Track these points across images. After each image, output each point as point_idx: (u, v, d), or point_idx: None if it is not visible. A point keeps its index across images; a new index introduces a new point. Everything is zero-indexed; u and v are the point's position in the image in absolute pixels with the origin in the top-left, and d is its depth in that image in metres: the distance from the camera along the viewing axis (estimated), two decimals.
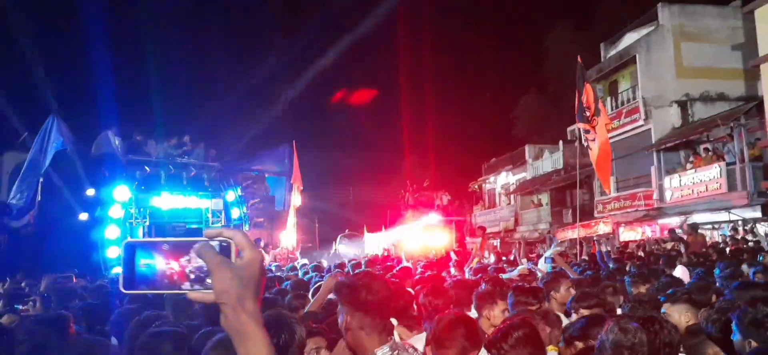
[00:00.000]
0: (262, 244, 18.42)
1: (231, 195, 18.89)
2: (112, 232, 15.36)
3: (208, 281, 1.01)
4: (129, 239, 1.10)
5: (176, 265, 1.02)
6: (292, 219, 18.93)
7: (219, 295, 0.99)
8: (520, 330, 2.80)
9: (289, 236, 19.03)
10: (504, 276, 6.99)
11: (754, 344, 2.96)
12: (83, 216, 15.36)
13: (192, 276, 1.02)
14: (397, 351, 2.22)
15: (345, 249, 28.53)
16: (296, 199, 17.38)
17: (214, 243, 1.03)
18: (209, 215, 19.16)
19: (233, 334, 1.01)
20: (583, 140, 21.46)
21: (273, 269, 11.68)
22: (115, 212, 15.46)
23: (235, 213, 18.95)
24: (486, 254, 23.94)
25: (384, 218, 33.14)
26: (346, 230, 30.67)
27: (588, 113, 11.16)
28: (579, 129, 11.79)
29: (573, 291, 4.57)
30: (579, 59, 11.34)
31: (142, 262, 1.03)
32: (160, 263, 1.03)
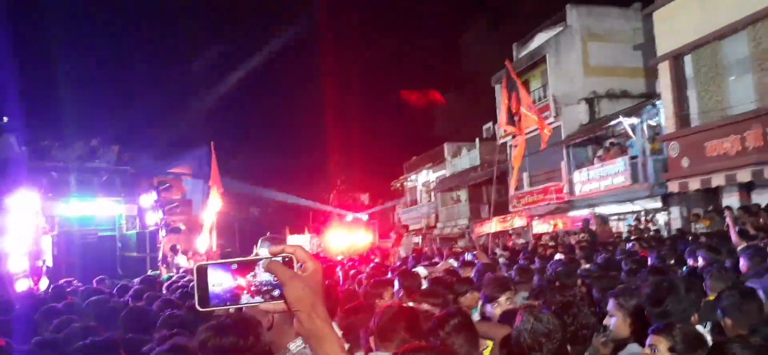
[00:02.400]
0: (179, 249, 17.82)
1: (146, 200, 18.10)
2: (15, 244, 14.31)
3: (276, 292, 1.12)
4: (199, 262, 1.17)
5: (244, 281, 1.13)
6: (209, 222, 18.42)
7: (294, 303, 1.10)
8: (455, 318, 2.94)
9: (206, 241, 18.52)
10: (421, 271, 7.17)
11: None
12: None
13: (260, 290, 1.13)
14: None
15: (266, 252, 28.01)
16: (215, 202, 16.90)
17: (278, 259, 1.13)
18: (123, 221, 18.31)
19: (309, 337, 1.12)
20: (498, 138, 22.25)
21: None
22: (18, 222, 14.42)
23: (151, 218, 18.18)
24: (400, 252, 24.38)
25: (307, 219, 32.90)
26: (268, 233, 30.17)
27: (527, 114, 11.52)
28: (494, 127, 12.19)
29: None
30: (507, 63, 11.72)
31: (213, 282, 1.12)
32: (230, 281, 1.12)
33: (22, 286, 13.58)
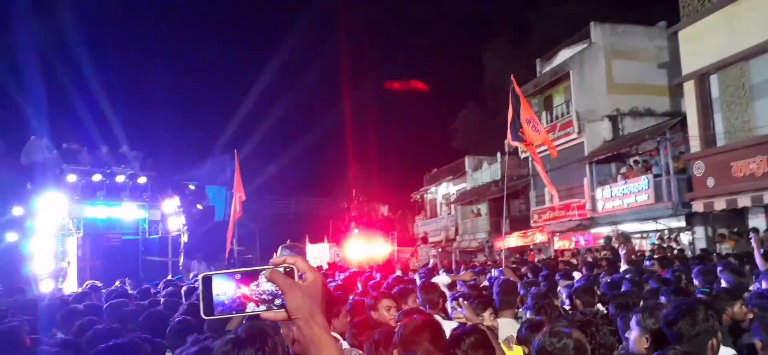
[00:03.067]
0: (201, 257, 18.04)
1: (169, 205, 18.41)
2: (41, 245, 14.65)
3: (277, 302, 1.16)
4: (205, 273, 1.21)
5: (247, 290, 1.17)
6: (231, 229, 18.63)
7: (294, 311, 1.15)
8: (472, 336, 2.96)
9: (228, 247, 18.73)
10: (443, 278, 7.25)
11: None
12: (11, 236, 14.58)
13: (262, 299, 1.17)
14: None
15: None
16: (237, 210, 17.09)
17: (280, 269, 1.17)
18: (146, 226, 18.62)
19: (308, 344, 1.16)
20: (520, 153, 22.14)
21: None
22: (46, 223, 14.76)
23: (174, 224, 18.48)
24: (414, 261, 24.32)
25: (327, 229, 33.02)
26: (288, 241, 30.34)
27: (526, 128, 11.50)
28: (511, 144, 12.17)
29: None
30: (512, 78, 11.69)
31: (217, 291, 1.17)
32: (234, 290, 1.17)
33: (47, 286, 13.92)
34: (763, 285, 5.46)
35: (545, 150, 17.98)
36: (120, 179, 17.28)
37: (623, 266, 9.31)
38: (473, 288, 6.62)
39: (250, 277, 1.18)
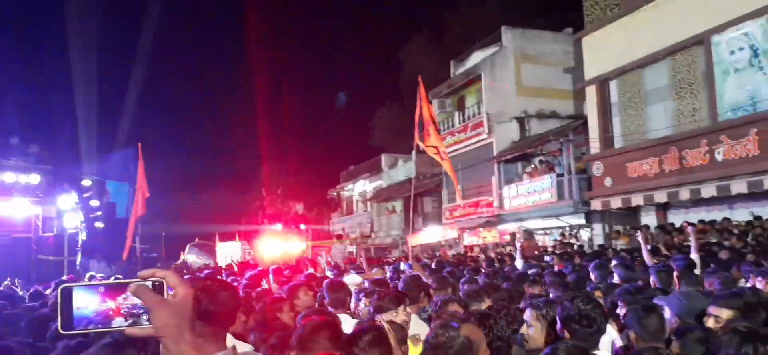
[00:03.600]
0: (100, 256, 17.07)
1: (65, 201, 17.30)
2: None
3: (145, 317, 1.10)
4: (65, 283, 1.11)
5: (113, 304, 1.10)
6: (133, 227, 17.76)
7: (159, 330, 1.08)
8: (370, 333, 2.93)
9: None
10: (354, 278, 7.20)
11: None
12: None
13: (130, 313, 1.10)
14: None
15: (194, 259, 27.28)
16: (140, 207, 16.29)
17: (148, 283, 1.11)
18: (39, 223, 17.41)
19: None
20: (432, 153, 22.53)
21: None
22: None
23: (71, 220, 17.39)
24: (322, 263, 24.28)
25: (238, 225, 32.24)
26: (197, 239, 29.39)
27: (429, 129, 11.74)
28: (417, 143, 12.41)
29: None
30: (419, 79, 11.93)
31: (79, 304, 1.09)
32: (97, 304, 1.09)
33: None
34: (652, 279, 5.79)
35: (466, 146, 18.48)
36: (9, 174, 16.03)
37: (519, 262, 9.66)
38: (382, 284, 6.63)
39: (116, 290, 1.11)
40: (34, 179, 16.64)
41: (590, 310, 3.33)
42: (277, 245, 28.81)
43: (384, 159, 33.99)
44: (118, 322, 1.10)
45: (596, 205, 17.59)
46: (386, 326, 3.51)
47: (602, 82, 17.49)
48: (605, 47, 17.17)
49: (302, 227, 34.86)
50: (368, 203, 35.25)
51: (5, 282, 10.83)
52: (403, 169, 31.58)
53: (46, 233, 17.58)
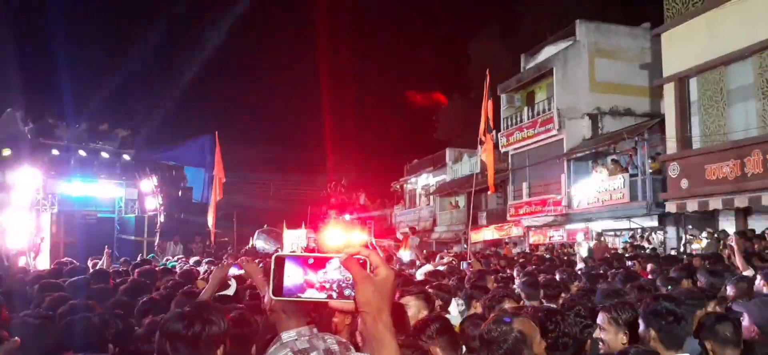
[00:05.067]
0: (177, 238, 17.90)
1: (146, 184, 18.24)
2: (15, 220, 14.42)
3: (347, 292, 1.16)
4: (279, 253, 1.22)
5: (314, 277, 1.17)
6: (210, 211, 18.52)
7: (362, 305, 1.14)
8: (436, 323, 3.06)
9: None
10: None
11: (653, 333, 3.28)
12: None
13: (331, 287, 1.17)
14: (303, 337, 2.30)
15: (263, 244, 28.05)
16: (217, 192, 17.00)
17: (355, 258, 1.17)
18: (122, 204, 18.43)
19: (370, 340, 1.15)
20: (500, 146, 22.36)
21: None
22: (19, 198, 14.53)
23: (151, 203, 18.32)
24: (403, 255, 24.40)
25: (304, 214, 32.95)
26: (265, 225, 30.22)
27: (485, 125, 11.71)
28: (498, 136, 12.39)
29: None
30: (487, 72, 11.83)
31: (288, 273, 1.17)
32: (301, 275, 1.17)
33: (19, 262, 13.73)
34: (729, 290, 5.58)
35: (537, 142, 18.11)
36: (97, 156, 17.06)
37: (579, 265, 9.41)
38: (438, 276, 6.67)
39: (321, 262, 1.18)
40: (119, 162, 17.64)
41: (675, 307, 3.31)
42: (341, 235, 29.27)
43: (448, 153, 33.88)
44: (315, 294, 1.17)
45: (671, 207, 16.95)
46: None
47: (681, 80, 16.79)
48: (686, 43, 16.46)
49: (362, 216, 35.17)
50: (431, 196, 35.24)
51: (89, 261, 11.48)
52: (468, 164, 31.37)
53: (128, 214, 18.59)
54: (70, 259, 10.70)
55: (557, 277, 6.47)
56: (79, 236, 16.69)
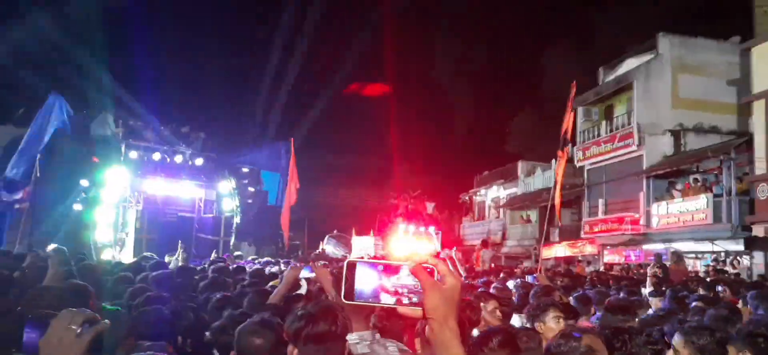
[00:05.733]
0: (251, 240, 18.46)
1: (225, 186, 18.96)
2: (104, 215, 15.38)
3: (415, 299, 1.19)
4: (351, 259, 1.26)
5: (387, 282, 1.21)
6: (285, 215, 19.02)
7: (430, 311, 1.18)
8: (497, 336, 3.05)
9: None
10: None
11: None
12: (78, 207, 15.35)
13: (401, 292, 1.20)
14: (365, 341, 2.36)
15: (332, 249, 28.47)
16: (292, 197, 17.45)
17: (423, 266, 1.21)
18: (201, 204, 19.23)
19: (437, 345, 1.20)
20: (576, 161, 21.80)
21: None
22: (109, 195, 15.49)
23: (228, 204, 19.02)
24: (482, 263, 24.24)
25: (373, 222, 33.25)
26: (335, 231, 30.67)
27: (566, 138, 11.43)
28: (573, 150, 12.10)
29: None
30: (573, 85, 11.57)
31: (361, 277, 1.21)
32: (375, 280, 1.21)
33: (106, 254, 14.63)
34: None
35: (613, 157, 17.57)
36: (179, 158, 17.91)
37: (648, 288, 8.98)
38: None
39: (391, 269, 1.21)
40: (200, 163, 18.46)
41: None
42: (408, 243, 29.33)
43: (520, 166, 33.30)
44: (386, 299, 1.20)
45: (758, 231, 16.02)
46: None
47: None
48: None
49: (432, 229, 35.07)
50: (501, 209, 34.71)
51: (170, 256, 12.02)
52: (541, 178, 30.72)
53: (206, 214, 19.39)
54: (151, 254, 11.27)
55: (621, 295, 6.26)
56: (161, 233, 17.56)
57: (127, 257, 15.06)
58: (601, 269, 21.38)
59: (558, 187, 13.19)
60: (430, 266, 1.20)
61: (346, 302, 1.21)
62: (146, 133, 18.49)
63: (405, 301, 1.20)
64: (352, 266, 1.21)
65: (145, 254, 11.51)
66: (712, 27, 23.50)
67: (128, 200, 16.92)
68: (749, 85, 16.95)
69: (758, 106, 16.39)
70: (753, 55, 16.70)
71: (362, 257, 1.24)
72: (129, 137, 17.86)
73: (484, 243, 36.27)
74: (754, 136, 16.74)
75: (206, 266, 9.64)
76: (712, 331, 3.44)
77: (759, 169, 16.26)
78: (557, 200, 13.80)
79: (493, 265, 25.21)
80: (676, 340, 3.43)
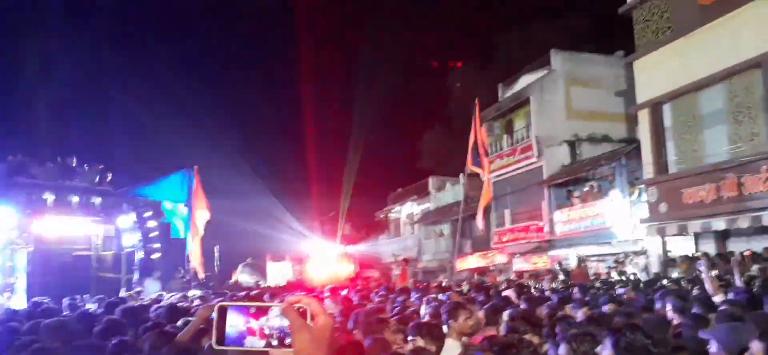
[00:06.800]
0: (157, 275, 17.65)
1: (124, 221, 18.04)
2: None
3: (287, 341, 1.15)
4: (222, 302, 1.21)
5: (256, 324, 1.16)
6: (191, 245, 18.27)
7: (299, 352, 1.15)
8: None
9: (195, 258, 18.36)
10: None
11: None
12: None
13: (271, 335, 1.16)
14: None
15: (247, 278, 27.81)
16: (200, 227, 16.76)
17: (294, 307, 1.17)
18: (99, 241, 18.18)
19: None
20: (482, 176, 22.49)
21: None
22: None
23: (129, 240, 18.10)
24: (409, 282, 24.38)
25: (289, 247, 32.70)
26: (248, 259, 29.96)
27: (482, 151, 11.78)
28: (470, 168, 12.44)
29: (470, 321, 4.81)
30: (476, 101, 11.94)
31: (231, 322, 1.16)
32: (244, 324, 1.16)
33: None
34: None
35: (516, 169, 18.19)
36: (71, 192, 16.86)
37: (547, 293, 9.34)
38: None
39: (260, 311, 1.17)
40: (96, 199, 17.45)
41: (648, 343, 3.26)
42: (327, 266, 29.08)
43: (431, 181, 33.96)
44: (252, 341, 1.15)
45: (650, 231, 17.08)
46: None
47: (655, 106, 17.04)
48: (657, 70, 16.75)
49: (350, 248, 35.01)
50: (415, 225, 35.20)
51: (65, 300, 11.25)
52: (451, 192, 31.46)
53: (106, 251, 18.33)
54: (42, 298, 10.47)
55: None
56: (56, 275, 16.42)
57: (21, 302, 13.96)
58: (513, 276, 22.12)
59: (485, 196, 13.47)
60: (303, 307, 1.18)
61: (218, 347, 1.16)
62: (31, 168, 17.25)
63: (274, 343, 1.16)
64: (222, 311, 1.17)
65: (36, 299, 10.69)
66: (599, 44, 25.04)
67: (16, 242, 15.68)
68: (634, 96, 18.12)
69: (643, 115, 17.52)
70: (635, 68, 17.87)
71: (247, 304, 1.18)
72: (13, 174, 16.62)
73: (406, 261, 36.69)
74: (640, 143, 17.88)
75: (105, 307, 9.03)
76: (595, 338, 3.54)
77: (647, 174, 17.38)
78: (482, 205, 14.13)
79: (411, 280, 25.51)
80: (562, 350, 3.52)
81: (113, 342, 4.44)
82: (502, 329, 4.79)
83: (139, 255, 17.93)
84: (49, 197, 16.39)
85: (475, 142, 14.77)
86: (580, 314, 5.79)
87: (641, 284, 12.07)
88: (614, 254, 19.39)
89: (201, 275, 17.22)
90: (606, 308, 6.54)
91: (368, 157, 47.67)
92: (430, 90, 50.02)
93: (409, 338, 4.43)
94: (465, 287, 12.81)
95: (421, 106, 49.39)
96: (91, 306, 10.20)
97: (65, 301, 10.14)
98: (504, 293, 9.13)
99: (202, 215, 17.46)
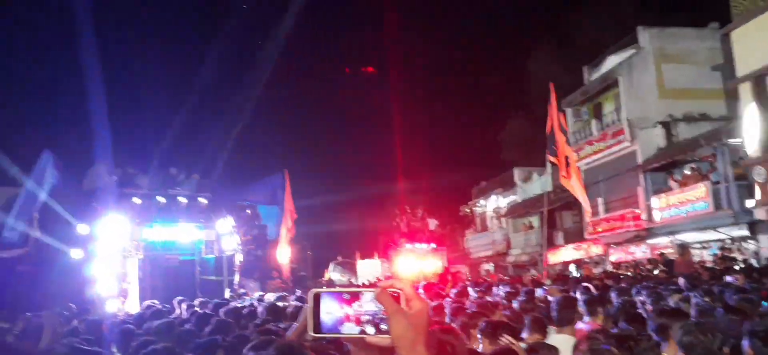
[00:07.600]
0: (256, 276, 18.40)
1: (223, 226, 18.94)
2: (104, 267, 15.34)
3: (383, 326, 1.14)
4: (315, 290, 1.21)
5: (351, 310, 1.16)
6: (284, 247, 18.96)
7: (396, 339, 1.13)
8: None
9: (285, 260, 19.06)
10: None
11: None
12: (77, 254, 15.31)
13: (366, 321, 1.15)
14: None
15: (338, 276, 28.42)
16: (288, 228, 17.43)
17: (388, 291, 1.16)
18: (202, 246, 19.19)
19: None
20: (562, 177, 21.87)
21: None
22: (109, 246, 15.46)
23: (228, 243, 18.97)
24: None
25: (376, 244, 33.16)
26: (339, 257, 30.59)
27: (560, 139, 11.45)
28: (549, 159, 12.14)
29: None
30: (551, 86, 11.61)
31: (325, 309, 1.16)
32: (339, 310, 1.16)
33: (111, 307, 14.57)
34: None
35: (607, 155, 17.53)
36: (178, 199, 17.90)
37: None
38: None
39: (354, 296, 1.16)
40: (198, 205, 18.46)
41: None
42: (415, 262, 29.22)
43: (516, 173, 33.29)
44: (348, 327, 1.15)
45: (760, 214, 16.00)
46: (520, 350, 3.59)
47: (758, 78, 15.93)
48: (758, 40, 15.63)
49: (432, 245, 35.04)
50: (503, 219, 34.64)
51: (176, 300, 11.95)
52: (538, 183, 30.70)
53: (208, 255, 19.33)
54: (153, 302, 11.19)
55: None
56: (164, 279, 17.50)
57: (133, 306, 15.01)
58: (609, 268, 21.32)
59: (577, 187, 13.12)
60: (396, 291, 1.15)
61: (315, 335, 1.16)
62: (139, 179, 18.49)
63: (370, 330, 1.15)
64: (316, 298, 1.17)
65: (147, 302, 11.45)
66: (689, 16, 23.68)
67: (128, 249, 16.87)
68: (733, 69, 17.01)
69: (744, 89, 16.44)
70: (733, 39, 16.78)
71: (340, 290, 1.19)
72: (124, 186, 17.89)
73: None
74: (744, 120, 16.76)
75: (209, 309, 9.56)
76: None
77: (752, 151, 16.28)
78: (579, 194, 13.77)
79: (501, 275, 25.16)
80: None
81: (231, 337, 4.72)
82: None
83: (239, 258, 18.76)
84: (155, 206, 17.48)
85: (551, 130, 14.35)
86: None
87: (755, 273, 11.32)
88: (720, 241, 18.29)
89: (286, 274, 17.80)
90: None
91: (451, 150, 47.57)
92: (510, 77, 49.09)
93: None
94: (548, 282, 12.48)
95: (503, 94, 48.58)
96: (197, 308, 10.82)
97: (175, 302, 10.83)
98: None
99: (291, 216, 18.10)
